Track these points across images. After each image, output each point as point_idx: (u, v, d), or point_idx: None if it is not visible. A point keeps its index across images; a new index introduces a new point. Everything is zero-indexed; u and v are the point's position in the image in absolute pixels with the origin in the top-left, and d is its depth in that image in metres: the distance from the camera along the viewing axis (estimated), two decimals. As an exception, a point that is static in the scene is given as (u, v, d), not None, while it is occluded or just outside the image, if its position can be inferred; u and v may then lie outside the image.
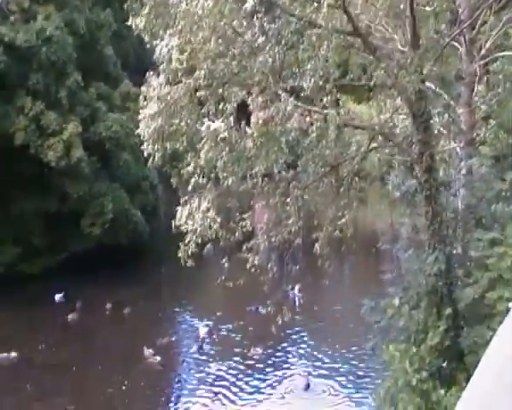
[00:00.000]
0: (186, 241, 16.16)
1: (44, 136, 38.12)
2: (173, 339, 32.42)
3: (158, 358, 29.20)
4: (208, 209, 16.05)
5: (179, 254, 16.35)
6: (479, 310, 14.68)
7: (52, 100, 39.14)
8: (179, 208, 16.47)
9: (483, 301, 13.92)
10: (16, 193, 38.98)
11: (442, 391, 14.02)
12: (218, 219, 16.13)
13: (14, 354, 29.50)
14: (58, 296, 36.81)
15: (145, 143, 16.10)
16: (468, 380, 2.59)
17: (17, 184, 38.81)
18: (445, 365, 15.03)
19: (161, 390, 27.59)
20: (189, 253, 16.17)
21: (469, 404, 2.38)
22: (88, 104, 42.09)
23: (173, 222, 16.41)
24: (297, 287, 35.78)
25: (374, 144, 17.97)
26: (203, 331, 31.88)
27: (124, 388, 26.69)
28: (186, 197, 16.46)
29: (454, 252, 16.51)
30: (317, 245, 16.92)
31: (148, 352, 29.40)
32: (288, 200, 16.67)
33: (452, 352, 15.08)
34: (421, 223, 17.36)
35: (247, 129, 16.89)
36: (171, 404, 26.29)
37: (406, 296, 16.20)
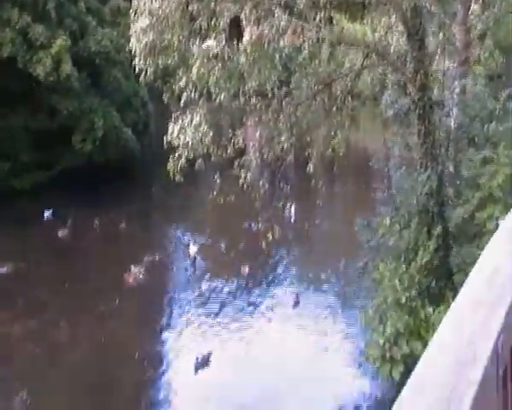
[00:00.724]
0: (176, 154, 16.12)
1: (32, 49, 37.36)
2: (163, 257, 32.38)
3: (143, 275, 29.08)
4: (200, 124, 15.95)
5: (168, 167, 16.32)
6: (468, 229, 14.80)
7: (40, 12, 38.21)
8: (171, 124, 16.39)
9: (473, 221, 14.02)
10: (4, 108, 38.45)
11: (430, 309, 14.25)
12: (210, 133, 16.06)
13: (3, 268, 29.44)
14: (47, 213, 36.20)
15: (136, 58, 15.92)
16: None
17: (4, 100, 38.23)
18: (433, 283, 15.22)
19: (152, 308, 27.80)
20: (179, 167, 16.14)
21: (456, 317, 2.35)
22: (77, 18, 41.16)
23: (165, 138, 16.33)
24: (293, 206, 35.95)
25: (367, 62, 17.80)
26: (194, 250, 31.91)
27: (116, 303, 26.88)
28: (178, 113, 16.35)
29: (446, 171, 16.54)
30: (310, 164, 16.90)
31: (136, 269, 29.32)
32: (281, 117, 16.58)
33: (441, 271, 15.26)
34: (413, 142, 17.34)
35: (240, 45, 16.67)
36: (163, 321, 26.55)
37: (397, 215, 16.28)
